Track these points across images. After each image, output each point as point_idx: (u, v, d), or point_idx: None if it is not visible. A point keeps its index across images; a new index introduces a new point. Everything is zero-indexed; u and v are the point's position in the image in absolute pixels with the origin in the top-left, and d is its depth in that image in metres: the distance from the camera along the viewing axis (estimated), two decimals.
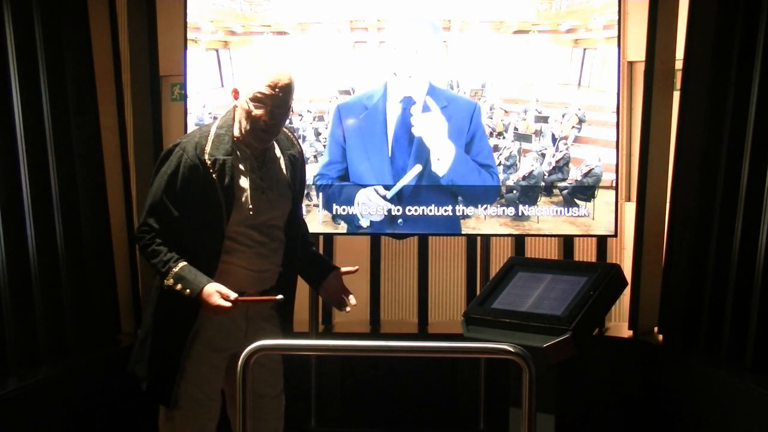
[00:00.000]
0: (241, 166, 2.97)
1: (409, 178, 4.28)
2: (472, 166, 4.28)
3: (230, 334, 2.98)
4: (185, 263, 2.87)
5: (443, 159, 4.26)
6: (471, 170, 4.28)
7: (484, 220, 4.32)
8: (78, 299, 4.06)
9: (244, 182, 2.96)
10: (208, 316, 2.90)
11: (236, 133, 2.97)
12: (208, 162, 2.89)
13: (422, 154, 4.28)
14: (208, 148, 2.91)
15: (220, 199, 2.91)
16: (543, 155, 4.31)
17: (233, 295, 2.86)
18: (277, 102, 2.89)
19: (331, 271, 3.15)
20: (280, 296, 2.96)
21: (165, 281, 2.88)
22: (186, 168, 2.89)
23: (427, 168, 4.28)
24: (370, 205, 4.30)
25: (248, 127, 2.94)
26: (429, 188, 4.28)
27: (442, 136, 4.26)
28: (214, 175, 2.90)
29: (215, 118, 3.12)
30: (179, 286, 2.86)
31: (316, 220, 4.34)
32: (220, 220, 2.91)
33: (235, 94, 2.97)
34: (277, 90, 2.89)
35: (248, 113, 2.91)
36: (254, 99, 2.89)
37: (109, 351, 4.26)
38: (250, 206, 2.96)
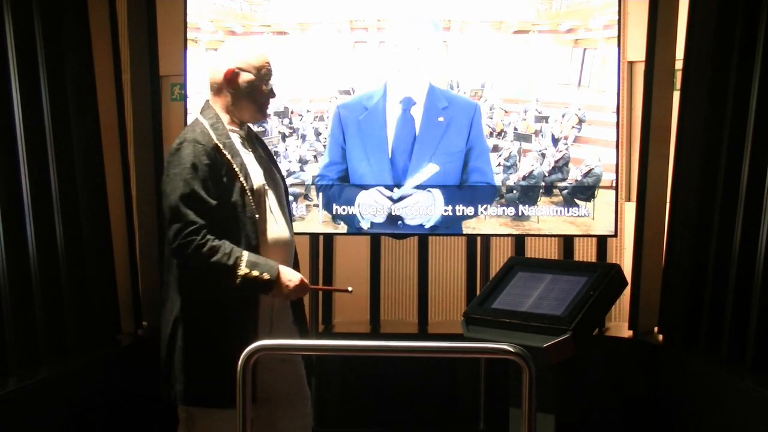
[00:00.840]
0: (241, 148, 2.99)
1: (424, 177, 4.27)
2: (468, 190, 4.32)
3: (259, 329, 2.93)
4: (245, 250, 2.85)
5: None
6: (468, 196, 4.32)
7: (484, 220, 4.32)
8: (78, 299, 4.06)
9: (251, 160, 3.00)
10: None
11: (226, 120, 2.99)
12: (220, 145, 2.90)
13: (423, 156, 4.28)
14: (213, 136, 2.92)
15: (240, 179, 2.90)
16: (543, 155, 4.31)
17: (299, 277, 2.91)
18: (271, 73, 3.04)
19: None
20: (350, 288, 3.05)
21: (239, 272, 2.80)
22: (204, 155, 2.85)
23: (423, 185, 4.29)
24: (376, 207, 4.30)
25: (253, 105, 2.99)
26: (429, 195, 4.29)
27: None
28: (228, 156, 2.90)
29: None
30: (255, 273, 2.81)
31: (316, 220, 4.34)
32: (245, 199, 2.90)
33: (234, 75, 2.96)
34: (269, 62, 3.04)
35: (257, 89, 2.98)
36: (261, 72, 2.98)
37: (109, 351, 4.26)
38: (263, 182, 2.99)
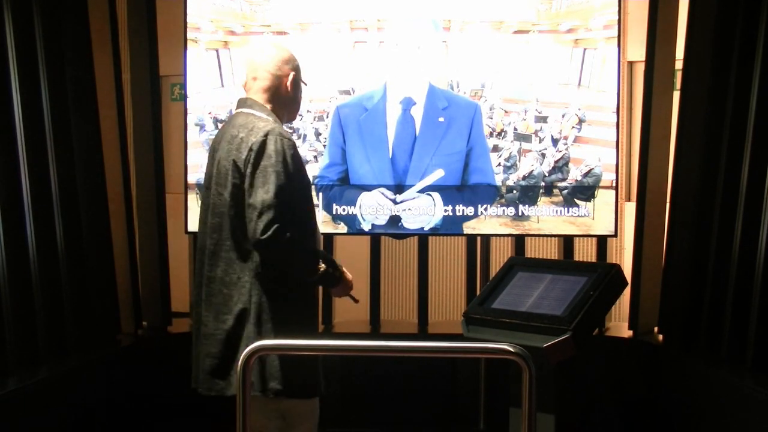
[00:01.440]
0: None
1: (430, 181, 4.28)
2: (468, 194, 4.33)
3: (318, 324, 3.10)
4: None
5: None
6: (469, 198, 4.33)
7: (484, 220, 4.32)
8: (78, 299, 4.06)
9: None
10: None
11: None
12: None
13: (423, 156, 4.28)
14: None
15: (307, 174, 3.04)
16: (543, 155, 4.31)
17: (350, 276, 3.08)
18: None
19: None
20: (358, 299, 3.26)
21: (318, 268, 2.93)
22: (290, 148, 2.89)
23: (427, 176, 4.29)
24: (378, 208, 4.30)
25: (295, 107, 3.09)
26: (430, 195, 4.29)
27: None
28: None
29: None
30: (331, 269, 2.97)
31: (317, 220, 4.34)
32: (311, 192, 3.04)
33: (294, 77, 3.03)
34: None
35: (299, 96, 3.07)
36: (300, 73, 3.06)
37: (109, 351, 4.26)
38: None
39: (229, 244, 2.90)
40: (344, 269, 3.07)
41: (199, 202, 3.11)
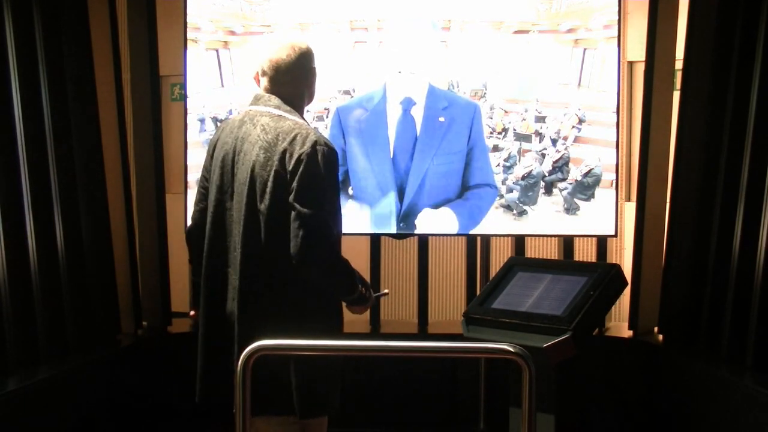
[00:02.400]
0: None
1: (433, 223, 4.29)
2: (476, 204, 4.33)
3: None
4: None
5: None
6: (477, 213, 4.33)
7: (485, 220, 4.32)
8: (78, 299, 4.06)
9: None
10: None
11: None
12: None
13: (425, 156, 4.28)
14: None
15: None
16: (543, 155, 4.31)
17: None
18: None
19: None
20: (386, 291, 3.19)
21: (357, 288, 2.86)
22: (336, 160, 2.79)
23: (428, 177, 4.29)
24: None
25: (310, 101, 2.96)
26: (431, 195, 4.29)
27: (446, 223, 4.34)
28: None
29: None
30: (364, 289, 2.90)
31: None
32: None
33: (314, 73, 2.93)
34: None
35: (315, 84, 2.95)
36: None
37: (109, 351, 4.26)
38: None
39: (266, 259, 2.75)
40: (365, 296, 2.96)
41: (212, 205, 2.85)
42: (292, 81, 2.86)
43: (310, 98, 2.96)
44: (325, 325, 2.85)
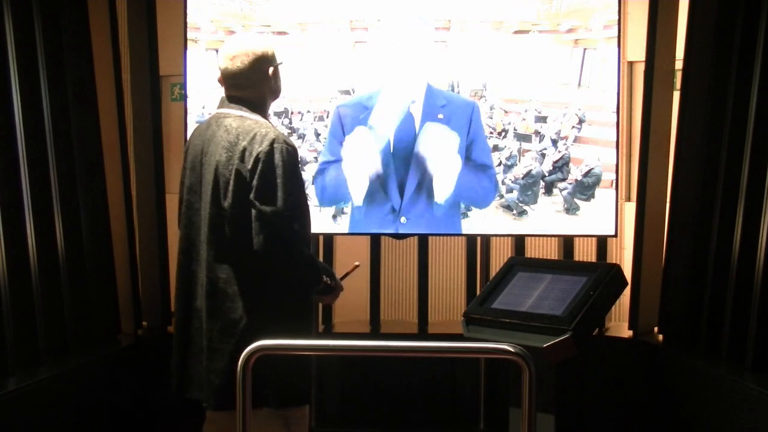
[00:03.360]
0: None
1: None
2: (473, 177, 4.28)
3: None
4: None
5: (448, 178, 4.25)
6: (472, 185, 4.28)
7: (484, 220, 4.32)
8: (78, 299, 4.06)
9: None
10: None
11: None
12: None
13: (424, 153, 4.27)
14: None
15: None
16: (543, 155, 4.31)
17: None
18: None
19: None
20: (357, 263, 3.25)
21: (323, 279, 2.93)
22: (295, 156, 2.85)
23: (428, 174, 4.28)
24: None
25: (275, 98, 3.02)
26: (431, 193, 4.28)
27: (451, 151, 4.25)
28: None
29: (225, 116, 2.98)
30: (328, 280, 2.97)
31: (316, 219, 4.34)
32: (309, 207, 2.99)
33: (276, 71, 2.96)
34: None
35: (280, 81, 2.99)
36: (278, 66, 2.99)
37: (109, 351, 4.26)
38: None
39: (230, 255, 2.83)
40: (336, 276, 3.06)
41: (183, 205, 2.99)
42: (251, 85, 2.94)
43: (275, 95, 3.02)
44: (295, 323, 2.89)
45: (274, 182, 2.77)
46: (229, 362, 2.81)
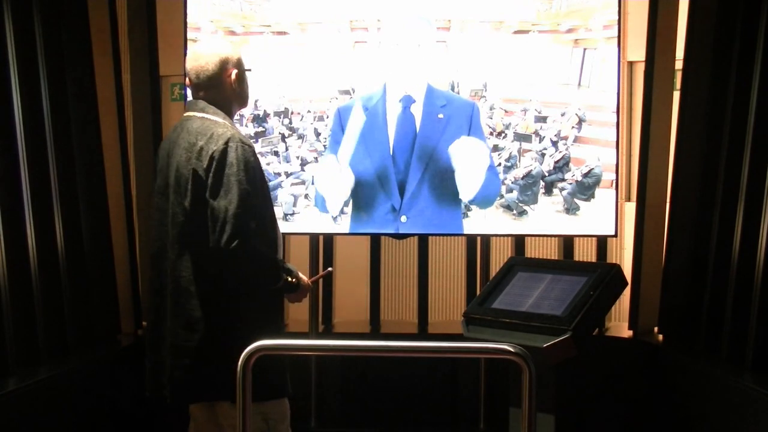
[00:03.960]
0: None
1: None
2: (491, 182, 4.30)
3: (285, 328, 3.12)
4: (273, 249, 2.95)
5: (475, 183, 4.26)
6: (491, 188, 4.29)
7: (484, 220, 4.32)
8: (78, 299, 4.06)
9: None
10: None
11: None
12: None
13: (424, 153, 4.27)
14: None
15: (266, 179, 3.00)
16: (543, 155, 4.31)
17: (306, 280, 3.05)
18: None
19: None
20: (330, 268, 3.30)
21: (281, 278, 2.91)
22: (252, 156, 2.87)
23: (428, 174, 4.27)
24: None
25: (244, 98, 3.05)
26: (431, 193, 4.27)
27: (482, 166, 4.26)
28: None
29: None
30: (290, 278, 2.95)
31: (316, 219, 4.34)
32: (270, 198, 3.01)
33: (234, 74, 2.99)
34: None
35: (245, 86, 3.03)
36: (243, 66, 3.03)
37: (109, 351, 4.26)
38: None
39: (191, 254, 2.86)
40: (300, 275, 3.03)
41: (154, 209, 3.03)
42: (214, 86, 2.98)
43: (240, 101, 3.05)
44: (261, 321, 2.90)
45: (227, 180, 2.80)
46: (192, 358, 2.85)
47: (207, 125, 2.91)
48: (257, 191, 2.87)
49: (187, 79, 3.02)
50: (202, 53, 3.00)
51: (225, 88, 2.98)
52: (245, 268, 2.83)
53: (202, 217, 2.82)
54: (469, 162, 4.24)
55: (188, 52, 3.06)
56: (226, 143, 2.82)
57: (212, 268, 2.84)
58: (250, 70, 3.09)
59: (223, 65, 2.97)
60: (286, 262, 3.01)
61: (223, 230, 2.76)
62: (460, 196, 4.24)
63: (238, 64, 3.01)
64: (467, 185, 4.24)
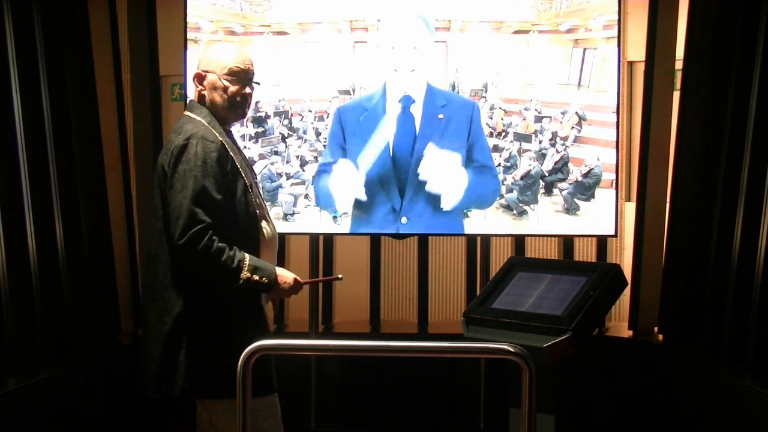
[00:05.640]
0: (233, 147, 3.05)
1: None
2: (479, 179, 4.27)
3: (266, 325, 3.05)
4: (246, 253, 2.90)
5: (455, 192, 4.24)
6: (478, 188, 4.27)
7: (484, 220, 4.32)
8: (78, 299, 4.06)
9: (241, 159, 3.07)
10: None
11: (216, 121, 3.02)
12: (224, 142, 2.95)
13: (425, 152, 4.27)
14: (215, 133, 2.96)
15: (243, 176, 2.98)
16: (543, 155, 4.31)
17: (292, 276, 3.02)
18: (250, 75, 3.05)
19: None
20: (341, 275, 3.21)
21: (241, 276, 2.87)
22: (214, 152, 2.89)
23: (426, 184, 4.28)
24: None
25: (225, 105, 3.02)
26: (431, 194, 4.27)
27: (453, 170, 4.23)
28: (231, 153, 2.96)
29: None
30: (256, 277, 2.89)
31: (317, 219, 4.34)
32: (248, 196, 2.98)
33: (200, 78, 3.03)
34: (248, 64, 3.05)
35: (224, 89, 3.01)
36: (230, 74, 3.00)
37: (109, 351, 4.26)
38: (255, 179, 3.14)
39: (165, 248, 2.90)
40: (280, 272, 2.99)
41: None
42: (203, 87, 3.05)
43: (229, 109, 3.04)
44: (240, 316, 2.91)
45: (183, 175, 2.83)
46: (163, 349, 2.88)
47: (182, 122, 2.98)
48: (220, 187, 2.87)
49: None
50: (204, 55, 3.11)
51: (210, 90, 3.02)
52: (197, 263, 2.84)
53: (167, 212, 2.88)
54: (438, 174, 4.24)
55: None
56: (188, 139, 2.88)
57: (177, 261, 2.88)
58: (258, 83, 3.11)
59: (212, 68, 3.02)
60: (265, 260, 2.97)
61: (176, 224, 2.81)
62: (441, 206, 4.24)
63: (228, 72, 3.01)
64: (445, 196, 4.24)
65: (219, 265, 2.84)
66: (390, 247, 4.86)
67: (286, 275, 3.01)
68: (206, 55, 3.09)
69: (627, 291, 4.25)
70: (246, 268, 2.87)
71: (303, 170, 4.37)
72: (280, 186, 4.34)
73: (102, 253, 4.33)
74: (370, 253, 4.82)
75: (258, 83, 3.12)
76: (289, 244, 4.73)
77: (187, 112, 3.03)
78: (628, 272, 4.39)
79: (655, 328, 4.45)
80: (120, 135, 4.54)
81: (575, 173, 4.30)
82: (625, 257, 4.72)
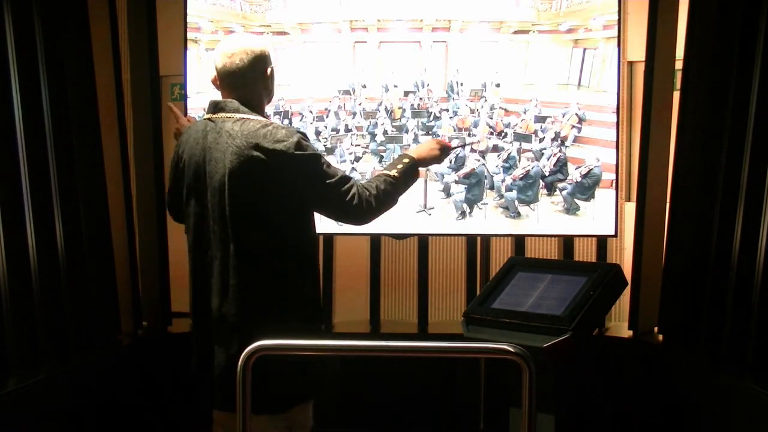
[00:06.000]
0: None
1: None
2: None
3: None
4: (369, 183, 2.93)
5: None
6: None
7: (484, 220, 4.33)
8: (78, 299, 4.06)
9: None
10: None
11: None
12: None
13: None
14: None
15: None
16: (543, 155, 4.31)
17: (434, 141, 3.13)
18: None
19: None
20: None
21: (395, 177, 2.92)
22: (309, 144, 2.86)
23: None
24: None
25: (269, 101, 2.97)
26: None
27: None
28: None
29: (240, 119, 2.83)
30: (401, 167, 2.95)
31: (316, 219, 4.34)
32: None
33: (271, 71, 2.92)
34: None
35: (273, 87, 2.96)
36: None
37: (109, 351, 4.26)
38: None
39: (240, 255, 2.76)
40: (419, 148, 3.07)
41: (191, 215, 2.90)
42: (247, 84, 2.86)
43: (269, 98, 2.97)
44: (300, 312, 2.87)
45: (320, 168, 2.80)
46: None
47: (252, 125, 2.78)
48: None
49: (215, 74, 2.89)
50: (237, 47, 2.86)
51: (258, 85, 2.88)
52: (382, 205, 2.91)
53: (266, 218, 2.77)
54: None
55: (220, 45, 2.92)
56: (297, 138, 2.78)
57: (258, 266, 2.81)
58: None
59: (259, 61, 2.86)
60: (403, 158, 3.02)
61: (351, 201, 2.83)
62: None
63: (270, 60, 2.92)
64: None
65: (389, 196, 2.90)
66: (390, 248, 4.86)
67: (426, 145, 3.08)
68: (253, 52, 2.87)
69: (627, 291, 4.25)
70: (393, 172, 2.93)
71: None
72: None
73: (102, 254, 4.33)
74: (370, 253, 4.82)
75: None
76: None
77: (238, 114, 2.82)
78: (628, 272, 4.38)
79: (655, 328, 4.45)
80: (120, 135, 4.54)
81: (575, 173, 4.30)
82: (625, 257, 4.72)
